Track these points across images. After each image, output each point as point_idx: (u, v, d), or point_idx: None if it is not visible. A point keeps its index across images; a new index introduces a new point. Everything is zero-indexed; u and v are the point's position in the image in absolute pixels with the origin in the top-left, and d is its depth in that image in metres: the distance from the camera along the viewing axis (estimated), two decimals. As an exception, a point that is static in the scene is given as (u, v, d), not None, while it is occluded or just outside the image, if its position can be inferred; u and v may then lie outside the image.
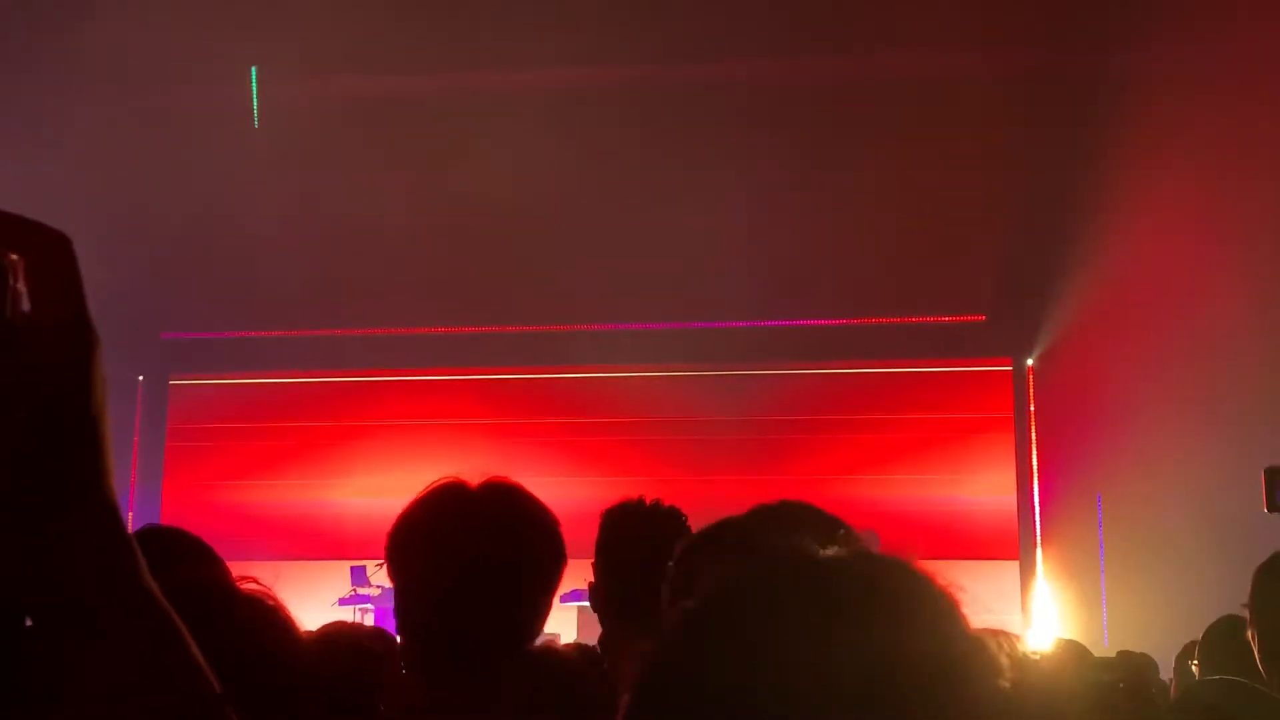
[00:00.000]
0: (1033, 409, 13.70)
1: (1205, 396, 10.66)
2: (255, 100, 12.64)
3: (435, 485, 2.24)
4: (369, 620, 10.83)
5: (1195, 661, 4.26)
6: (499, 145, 12.06)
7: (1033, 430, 13.66)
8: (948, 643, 0.99)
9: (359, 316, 13.80)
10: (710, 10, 11.55)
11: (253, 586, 1.72)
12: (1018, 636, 2.97)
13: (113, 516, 0.99)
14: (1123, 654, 6.12)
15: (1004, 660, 1.01)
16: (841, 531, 2.04)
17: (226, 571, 2.55)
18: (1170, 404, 11.09)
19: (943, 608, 1.02)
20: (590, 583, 3.19)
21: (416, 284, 13.45)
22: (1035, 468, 13.57)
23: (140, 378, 14.47)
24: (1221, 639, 4.11)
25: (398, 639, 2.30)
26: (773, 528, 1.98)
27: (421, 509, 2.22)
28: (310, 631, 2.21)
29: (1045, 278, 12.78)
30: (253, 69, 12.49)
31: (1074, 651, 5.22)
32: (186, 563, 2.25)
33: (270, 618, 1.68)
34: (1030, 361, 13.71)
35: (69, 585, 0.94)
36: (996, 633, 2.76)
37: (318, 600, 11.24)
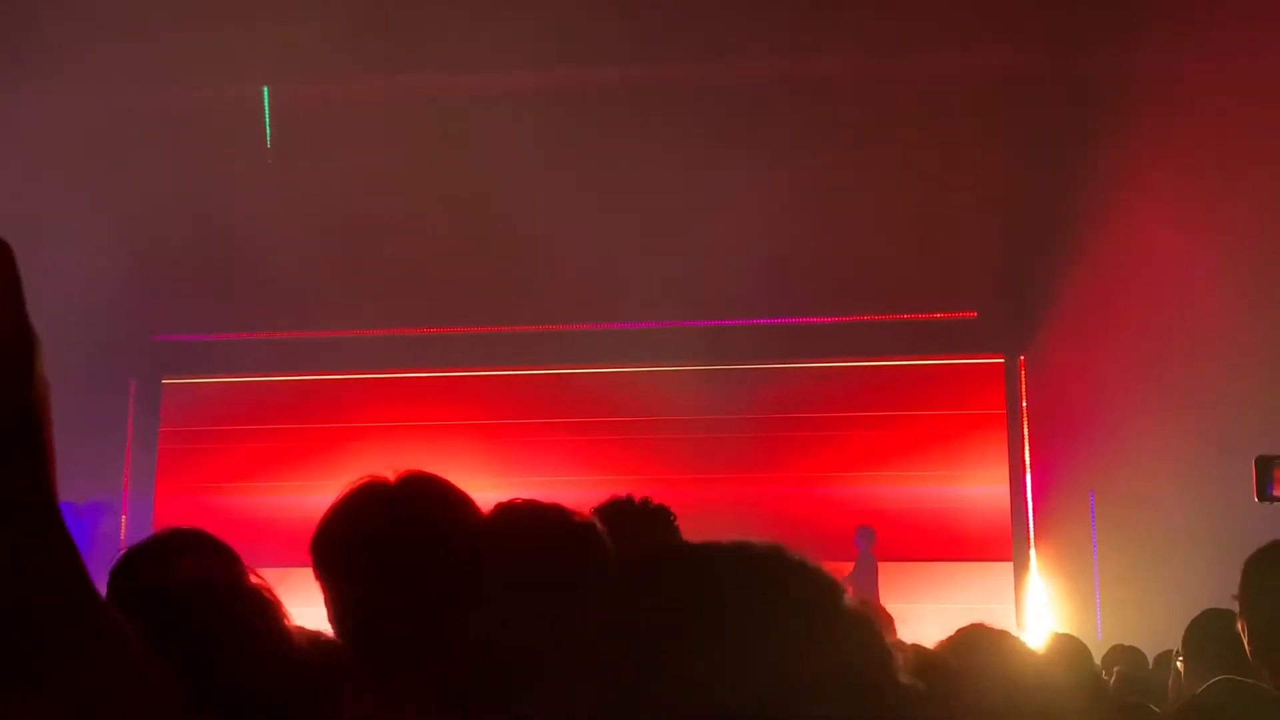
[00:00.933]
0: (1025, 405, 13.71)
1: (1197, 390, 10.68)
2: (267, 120, 12.51)
3: (354, 485, 2.22)
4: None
5: (1179, 657, 4.26)
6: (487, 146, 12.05)
7: (1025, 426, 13.68)
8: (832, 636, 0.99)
9: (354, 318, 13.77)
10: (706, 10, 11.54)
11: (254, 580, 1.71)
12: (1011, 633, 2.98)
13: (53, 521, 0.98)
14: (1116, 649, 6.13)
15: (894, 650, 1.02)
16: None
17: (239, 567, 2.54)
18: (1162, 398, 11.11)
19: (824, 599, 1.02)
20: None
21: (413, 284, 13.44)
22: (1028, 463, 13.58)
23: (132, 381, 14.47)
24: (1205, 633, 4.11)
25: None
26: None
27: (342, 510, 2.20)
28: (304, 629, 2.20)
29: (1037, 273, 12.79)
30: (264, 89, 12.38)
31: (1071, 647, 5.20)
32: (191, 556, 2.24)
33: (266, 612, 1.68)
34: (1022, 357, 13.72)
35: (9, 590, 0.93)
36: (989, 629, 2.75)
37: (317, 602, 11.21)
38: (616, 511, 3.40)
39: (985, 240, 12.92)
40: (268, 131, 12.47)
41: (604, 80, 12.34)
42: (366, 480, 2.20)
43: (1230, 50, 10.06)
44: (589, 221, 12.43)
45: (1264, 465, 3.63)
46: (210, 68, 12.03)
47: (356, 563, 2.13)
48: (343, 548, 2.16)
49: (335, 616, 2.16)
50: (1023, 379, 13.75)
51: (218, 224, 12.69)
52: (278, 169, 12.23)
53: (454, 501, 2.21)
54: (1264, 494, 3.59)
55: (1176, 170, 10.68)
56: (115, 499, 14.09)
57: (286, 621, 1.70)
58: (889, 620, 4.59)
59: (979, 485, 13.69)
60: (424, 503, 2.18)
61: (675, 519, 3.46)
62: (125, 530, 13.92)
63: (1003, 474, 13.69)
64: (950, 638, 2.73)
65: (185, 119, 12.62)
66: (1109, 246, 11.55)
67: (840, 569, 12.11)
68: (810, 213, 12.65)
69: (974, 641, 2.74)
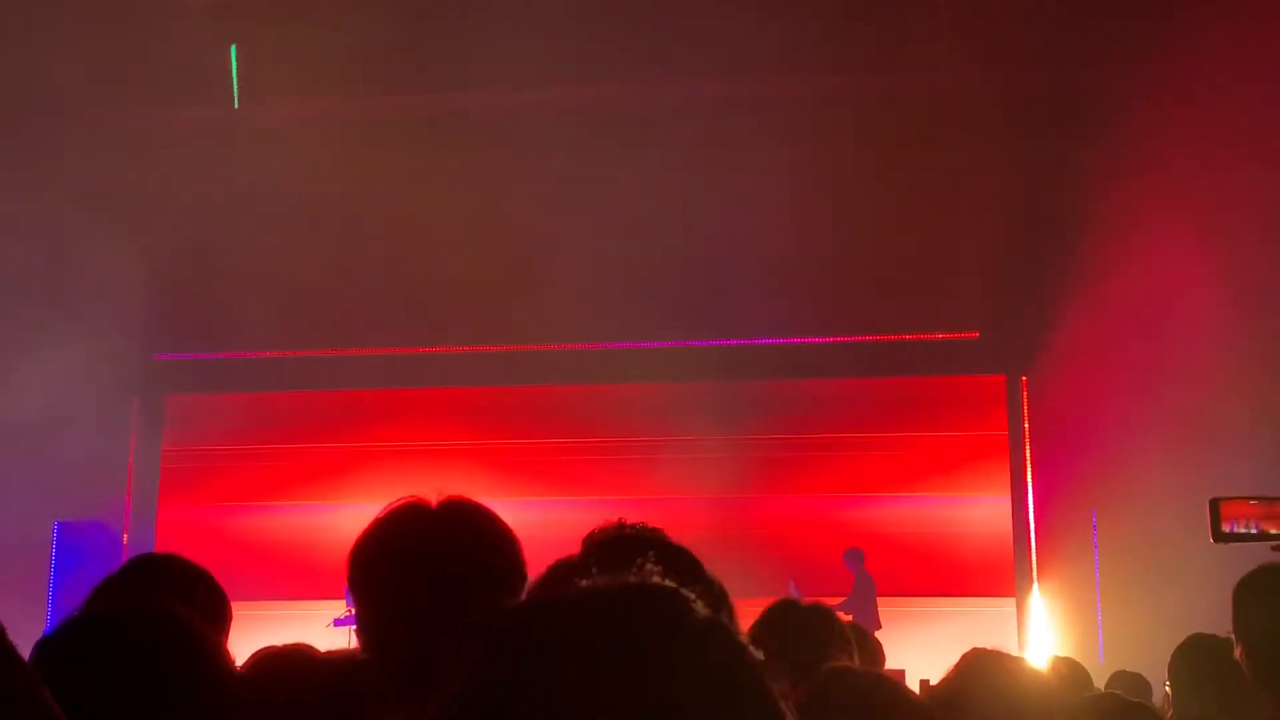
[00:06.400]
0: (1027, 426, 13.69)
1: (1198, 410, 10.65)
2: (235, 80, 12.32)
3: (394, 506, 2.23)
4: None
5: (1167, 685, 4.23)
6: (474, 166, 12.09)
7: (1027, 447, 13.65)
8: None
9: (357, 337, 13.77)
10: (704, 29, 11.55)
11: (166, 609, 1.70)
12: (1012, 654, 2.98)
13: None
14: (1118, 674, 6.10)
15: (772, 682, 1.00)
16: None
17: (221, 603, 2.58)
18: (1162, 417, 11.08)
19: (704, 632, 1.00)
20: None
21: (417, 302, 13.44)
22: (1030, 484, 13.55)
23: (135, 398, 14.45)
24: (1190, 658, 4.09)
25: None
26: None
27: (383, 530, 2.20)
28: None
29: (1039, 293, 12.77)
30: (232, 48, 12.22)
31: (1070, 670, 5.19)
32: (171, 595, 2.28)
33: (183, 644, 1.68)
34: (1024, 378, 13.69)
35: None
36: (990, 652, 2.75)
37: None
38: (610, 538, 3.40)
39: (987, 260, 12.92)
40: (235, 88, 12.28)
41: (607, 98, 12.34)
42: (407, 501, 2.21)
43: (1229, 71, 10.07)
44: (591, 240, 12.43)
45: (1216, 507, 3.49)
46: (202, 87, 12.03)
47: (398, 583, 2.14)
48: (376, 566, 2.17)
49: (361, 630, 2.18)
50: (1025, 399, 13.73)
51: (222, 243, 12.70)
52: (279, 189, 12.21)
53: (493, 528, 2.22)
54: (1218, 535, 3.46)
55: (1178, 190, 10.69)
56: (117, 519, 14.07)
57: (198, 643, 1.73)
58: (879, 651, 4.67)
59: (981, 504, 13.67)
60: (465, 526, 2.19)
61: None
62: (126, 549, 13.89)
63: (1005, 493, 13.66)
64: (955, 666, 2.77)
65: (188, 138, 12.64)
66: (1111, 266, 11.54)
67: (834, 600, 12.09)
68: (811, 233, 12.65)
69: (977, 666, 2.77)
